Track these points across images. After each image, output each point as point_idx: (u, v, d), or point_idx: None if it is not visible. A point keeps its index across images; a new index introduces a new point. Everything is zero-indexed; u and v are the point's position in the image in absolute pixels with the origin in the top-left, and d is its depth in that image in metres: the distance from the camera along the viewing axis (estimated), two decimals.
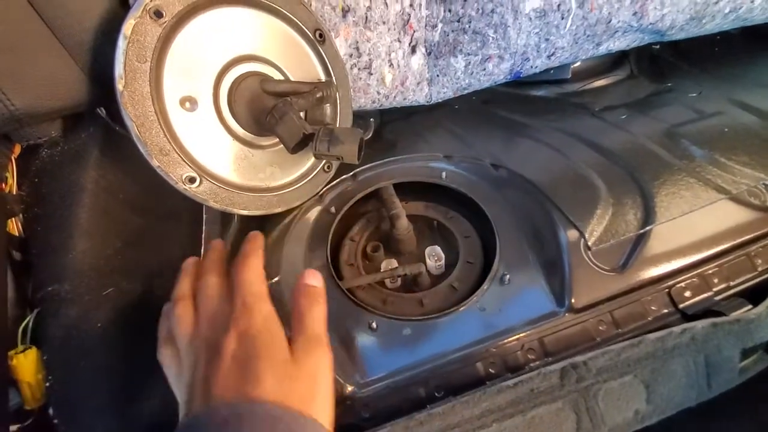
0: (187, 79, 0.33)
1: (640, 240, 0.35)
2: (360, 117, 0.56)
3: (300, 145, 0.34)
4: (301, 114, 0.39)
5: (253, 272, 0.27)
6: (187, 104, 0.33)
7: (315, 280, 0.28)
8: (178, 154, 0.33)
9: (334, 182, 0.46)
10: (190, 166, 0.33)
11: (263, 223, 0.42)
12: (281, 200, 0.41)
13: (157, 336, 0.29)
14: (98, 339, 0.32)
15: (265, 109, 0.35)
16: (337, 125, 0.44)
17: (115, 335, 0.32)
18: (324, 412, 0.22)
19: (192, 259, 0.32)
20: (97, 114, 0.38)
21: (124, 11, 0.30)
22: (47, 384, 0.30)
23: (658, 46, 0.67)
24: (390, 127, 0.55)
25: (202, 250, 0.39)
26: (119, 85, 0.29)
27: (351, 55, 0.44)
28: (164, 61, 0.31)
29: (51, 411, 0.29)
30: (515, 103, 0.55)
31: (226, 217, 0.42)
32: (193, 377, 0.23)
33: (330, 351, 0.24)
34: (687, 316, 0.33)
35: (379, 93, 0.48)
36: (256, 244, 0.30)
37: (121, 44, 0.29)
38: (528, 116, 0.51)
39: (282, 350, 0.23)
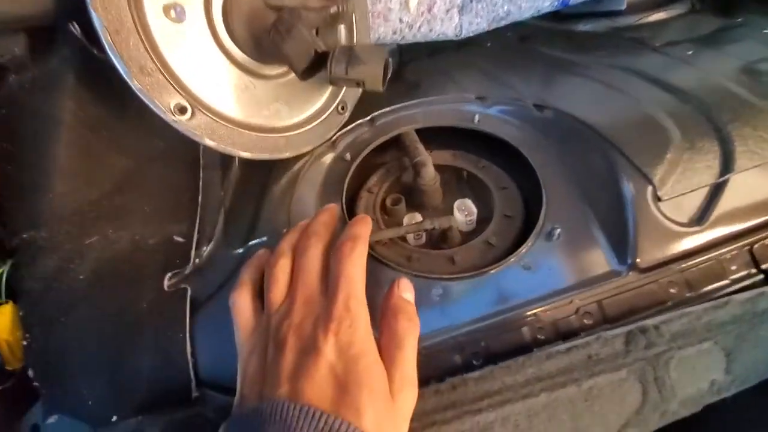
0: None
1: (719, 190, 0.29)
2: None
3: (311, 69, 0.28)
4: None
5: (360, 267, 0.23)
6: (173, 13, 0.27)
7: (410, 293, 0.24)
8: (164, 76, 0.27)
9: (349, 127, 0.41)
10: (179, 93, 0.28)
11: (270, 169, 0.37)
12: (289, 143, 0.35)
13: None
14: (81, 292, 0.27)
15: (268, 26, 0.29)
16: None
17: (100, 288, 0.28)
18: None
19: (305, 220, 0.28)
20: (71, 33, 0.32)
21: None
22: (24, 342, 0.26)
23: None
24: (412, 67, 0.48)
25: (200, 198, 0.34)
26: None
27: None
28: None
29: (30, 372, 0.26)
30: (558, 38, 0.47)
31: (225, 162, 0.37)
32: (278, 362, 0.20)
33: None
34: None
35: (401, 21, 0.41)
36: (366, 228, 0.25)
37: None
38: (575, 53, 0.44)
39: (384, 383, 0.20)
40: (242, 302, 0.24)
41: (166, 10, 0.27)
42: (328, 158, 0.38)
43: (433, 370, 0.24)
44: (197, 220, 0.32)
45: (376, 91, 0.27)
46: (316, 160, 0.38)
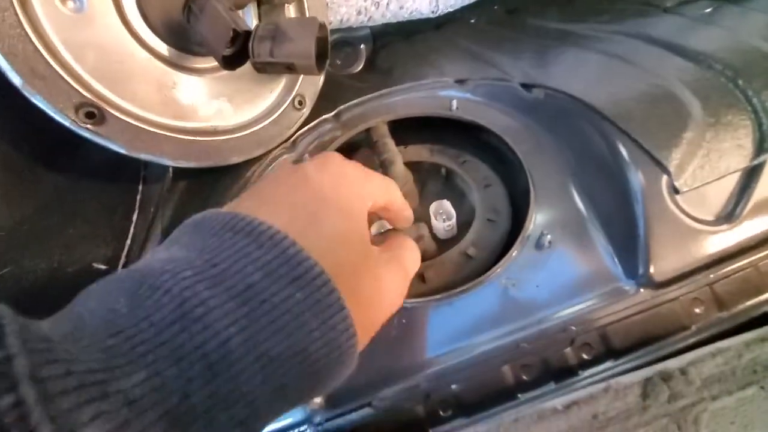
0: None
1: (753, 176, 0.23)
2: (347, 43, 0.44)
3: (236, 55, 0.23)
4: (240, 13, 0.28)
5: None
6: (71, 2, 0.23)
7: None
8: (63, 77, 0.23)
9: (311, 124, 0.36)
10: (84, 95, 0.23)
11: (217, 178, 0.32)
12: (236, 147, 0.31)
13: None
14: None
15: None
16: None
17: None
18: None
19: None
20: None
21: None
22: None
23: None
24: (385, 53, 0.42)
25: (135, 216, 0.30)
26: None
27: None
28: None
29: None
30: (552, 7, 0.41)
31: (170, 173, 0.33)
32: None
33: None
34: None
35: None
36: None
37: None
38: (572, 22, 0.38)
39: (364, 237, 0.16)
40: None
41: None
42: (286, 161, 0.34)
43: (392, 429, 0.19)
44: (127, 242, 0.28)
45: (311, 74, 0.22)
46: (271, 165, 0.33)
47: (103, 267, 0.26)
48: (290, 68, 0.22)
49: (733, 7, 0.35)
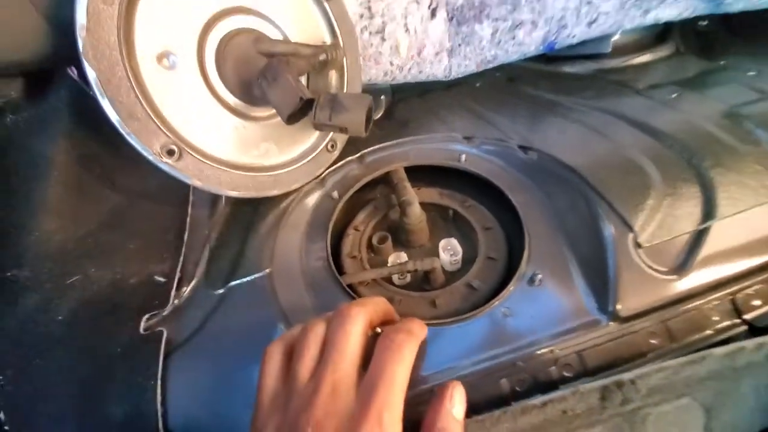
0: (165, 30, 0.28)
1: (700, 237, 0.29)
2: (369, 93, 0.50)
3: (297, 114, 0.29)
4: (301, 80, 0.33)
5: (405, 370, 0.19)
6: (165, 61, 0.28)
7: (462, 405, 0.20)
8: (154, 121, 0.28)
9: (339, 164, 0.41)
10: (168, 136, 0.29)
11: (256, 207, 0.37)
12: (277, 181, 0.36)
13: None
14: (58, 334, 0.27)
15: (258, 72, 0.30)
16: None
17: (78, 331, 0.28)
18: None
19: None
20: (68, 75, 0.33)
21: None
22: None
23: (705, 23, 0.59)
24: (402, 106, 0.49)
25: (186, 236, 0.34)
26: (81, 32, 0.25)
27: (362, 16, 0.39)
28: (136, 6, 0.27)
29: (1, 415, 0.25)
30: (545, 80, 0.49)
31: (214, 200, 0.38)
32: None
33: None
34: (756, 329, 0.27)
35: (392, 64, 0.42)
36: (423, 331, 0.22)
37: None
38: (561, 94, 0.45)
39: None
40: (273, 359, 0.21)
41: (159, 58, 0.28)
42: (316, 195, 0.39)
43: (407, 423, 0.24)
44: (181, 259, 0.32)
45: (359, 136, 0.28)
46: (304, 198, 0.38)
47: (162, 279, 0.30)
48: (342, 130, 0.28)
49: (693, 94, 0.43)
